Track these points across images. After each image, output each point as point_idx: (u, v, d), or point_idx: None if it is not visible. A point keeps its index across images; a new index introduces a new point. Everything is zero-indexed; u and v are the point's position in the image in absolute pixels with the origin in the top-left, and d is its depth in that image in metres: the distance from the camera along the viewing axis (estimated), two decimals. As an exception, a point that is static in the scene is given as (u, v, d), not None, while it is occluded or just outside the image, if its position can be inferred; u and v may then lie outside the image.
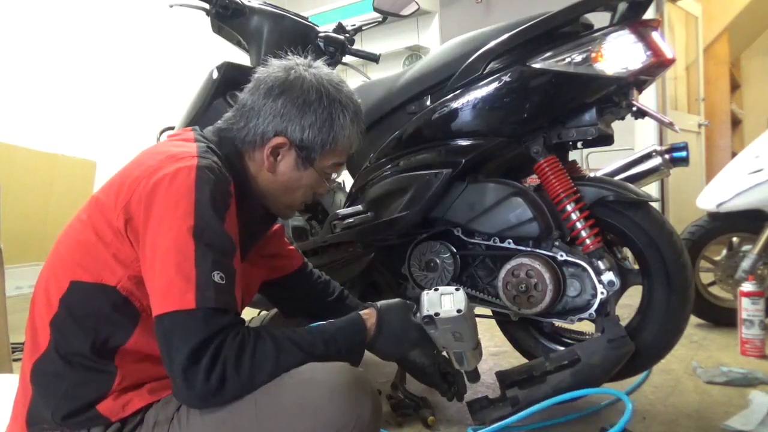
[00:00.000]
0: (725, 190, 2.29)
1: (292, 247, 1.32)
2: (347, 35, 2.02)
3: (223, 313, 0.84)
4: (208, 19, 1.93)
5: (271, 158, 1.02)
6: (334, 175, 1.14)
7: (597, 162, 3.65)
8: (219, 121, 1.08)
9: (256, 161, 1.04)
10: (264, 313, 1.69)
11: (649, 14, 2.30)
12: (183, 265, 0.83)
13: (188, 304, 0.82)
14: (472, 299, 1.55)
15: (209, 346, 0.81)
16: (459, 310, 1.03)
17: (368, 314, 1.03)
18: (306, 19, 1.99)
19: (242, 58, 2.01)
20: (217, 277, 0.84)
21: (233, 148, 1.03)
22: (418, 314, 1.06)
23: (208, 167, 0.90)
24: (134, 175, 0.91)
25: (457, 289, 1.07)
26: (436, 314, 1.03)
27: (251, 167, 1.04)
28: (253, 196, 1.05)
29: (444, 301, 1.05)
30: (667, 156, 2.26)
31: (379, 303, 1.08)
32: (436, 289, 1.07)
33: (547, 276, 1.38)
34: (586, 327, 1.52)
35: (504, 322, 1.66)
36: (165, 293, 0.83)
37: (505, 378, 1.35)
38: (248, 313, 1.50)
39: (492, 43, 1.44)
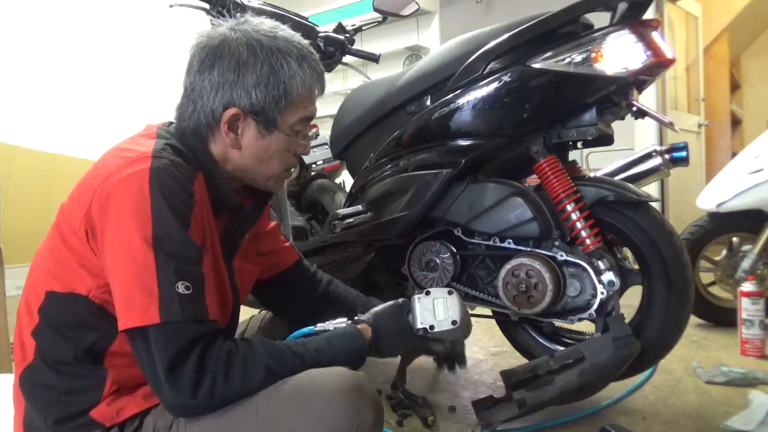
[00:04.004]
0: (725, 190, 2.29)
1: (287, 244, 1.27)
2: (347, 35, 2.02)
3: (193, 324, 0.81)
4: (208, 19, 1.93)
5: (231, 134, 0.94)
6: (311, 131, 1.06)
7: (597, 162, 3.65)
8: (174, 115, 1.00)
9: (218, 144, 0.96)
10: (263, 312, 1.69)
11: (649, 14, 2.30)
12: (143, 277, 0.79)
13: (152, 319, 0.78)
14: (471, 299, 1.55)
15: (186, 359, 0.79)
16: (454, 322, 1.00)
17: (364, 329, 0.98)
18: (306, 19, 1.99)
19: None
20: (181, 287, 0.80)
21: (196, 139, 0.96)
22: (410, 315, 1.02)
23: (162, 168, 0.84)
24: (93, 179, 0.87)
25: (450, 293, 1.02)
26: (431, 327, 1.00)
27: (217, 152, 0.96)
28: (227, 188, 0.98)
29: (437, 308, 1.01)
30: (667, 156, 2.26)
31: (373, 313, 1.02)
32: (428, 293, 1.02)
33: (547, 276, 1.38)
34: (586, 327, 1.52)
35: (504, 322, 1.65)
36: (127, 307, 0.80)
37: (510, 377, 1.34)
38: (246, 313, 1.49)
39: (492, 43, 1.44)
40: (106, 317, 0.86)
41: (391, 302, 1.05)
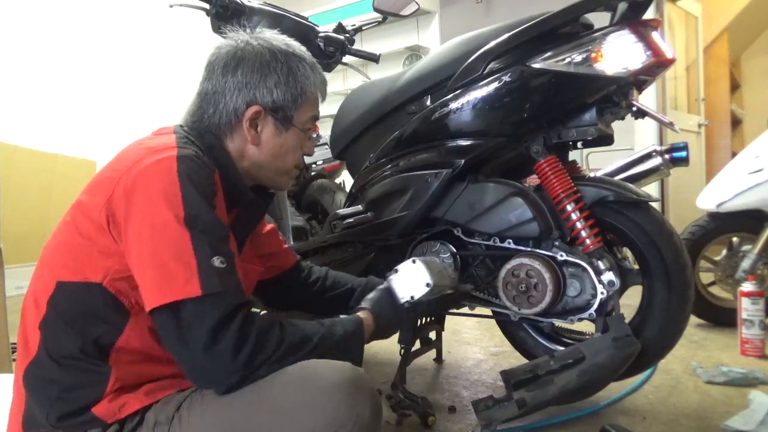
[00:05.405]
0: (725, 190, 2.29)
1: (286, 246, 1.32)
2: (347, 35, 2.02)
3: (231, 295, 0.85)
4: (208, 19, 1.93)
5: (252, 131, 1.02)
6: (314, 135, 1.15)
7: (597, 162, 3.65)
8: (186, 117, 1.06)
9: (236, 141, 1.03)
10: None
11: (649, 14, 2.30)
12: (181, 255, 0.83)
13: (194, 292, 0.81)
14: (471, 299, 1.55)
15: (228, 326, 0.82)
16: (428, 284, 1.14)
17: (366, 317, 1.07)
18: (306, 19, 1.99)
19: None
20: (217, 261, 0.84)
21: (213, 138, 1.02)
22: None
23: (189, 156, 0.89)
24: (115, 170, 0.90)
25: (413, 262, 1.16)
26: (412, 297, 1.14)
27: (234, 149, 1.03)
28: (242, 183, 1.04)
29: (409, 279, 1.15)
30: (667, 156, 2.26)
31: (367, 300, 1.13)
32: (396, 270, 1.17)
33: (547, 276, 1.38)
34: (586, 327, 1.52)
35: (504, 322, 1.65)
36: (165, 284, 0.82)
37: (510, 377, 1.34)
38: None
39: (492, 43, 1.44)
40: (117, 308, 0.88)
41: (380, 287, 1.17)
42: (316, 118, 1.10)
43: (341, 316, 1.06)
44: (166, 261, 0.82)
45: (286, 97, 1.02)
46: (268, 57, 1.01)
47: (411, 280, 1.15)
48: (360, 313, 1.08)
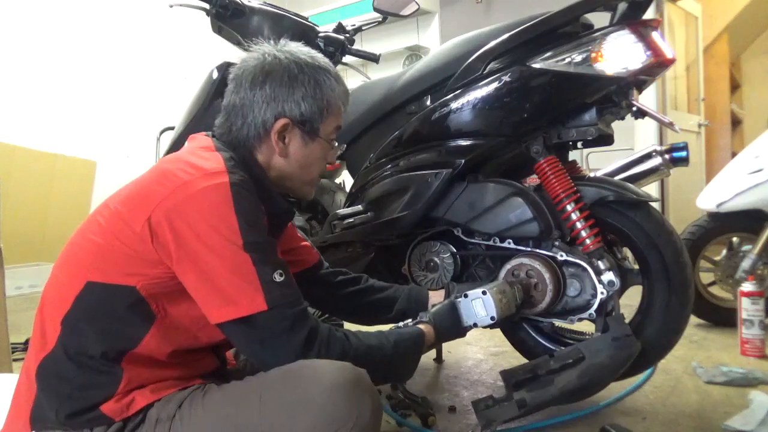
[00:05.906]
0: (725, 190, 2.29)
1: (306, 242, 1.33)
2: (347, 35, 2.02)
3: (293, 302, 0.93)
4: (208, 19, 1.93)
5: (280, 143, 1.05)
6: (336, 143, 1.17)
7: (597, 162, 3.65)
8: (215, 130, 1.08)
9: (264, 153, 1.06)
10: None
11: (649, 14, 2.30)
12: (245, 276, 0.89)
13: (260, 307, 0.89)
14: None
15: (296, 331, 0.90)
16: (492, 317, 1.20)
17: (427, 330, 1.14)
18: (306, 19, 1.99)
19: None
20: (277, 276, 0.91)
21: (246, 150, 1.04)
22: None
23: (239, 183, 0.93)
24: (160, 184, 0.92)
25: (484, 293, 1.20)
26: (475, 324, 1.20)
27: (262, 161, 1.06)
28: (278, 195, 1.07)
29: (476, 308, 1.20)
30: (667, 156, 2.26)
31: (432, 313, 1.20)
32: (465, 296, 1.21)
33: (547, 276, 1.38)
34: (586, 327, 1.52)
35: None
36: (233, 302, 0.89)
37: (510, 377, 1.34)
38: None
39: (492, 43, 1.44)
40: (144, 313, 0.91)
41: (445, 303, 1.23)
42: (339, 128, 1.13)
43: (401, 329, 1.13)
44: (232, 283, 0.89)
45: (313, 110, 1.04)
46: (296, 71, 1.03)
47: (478, 309, 1.20)
48: (422, 326, 1.14)
